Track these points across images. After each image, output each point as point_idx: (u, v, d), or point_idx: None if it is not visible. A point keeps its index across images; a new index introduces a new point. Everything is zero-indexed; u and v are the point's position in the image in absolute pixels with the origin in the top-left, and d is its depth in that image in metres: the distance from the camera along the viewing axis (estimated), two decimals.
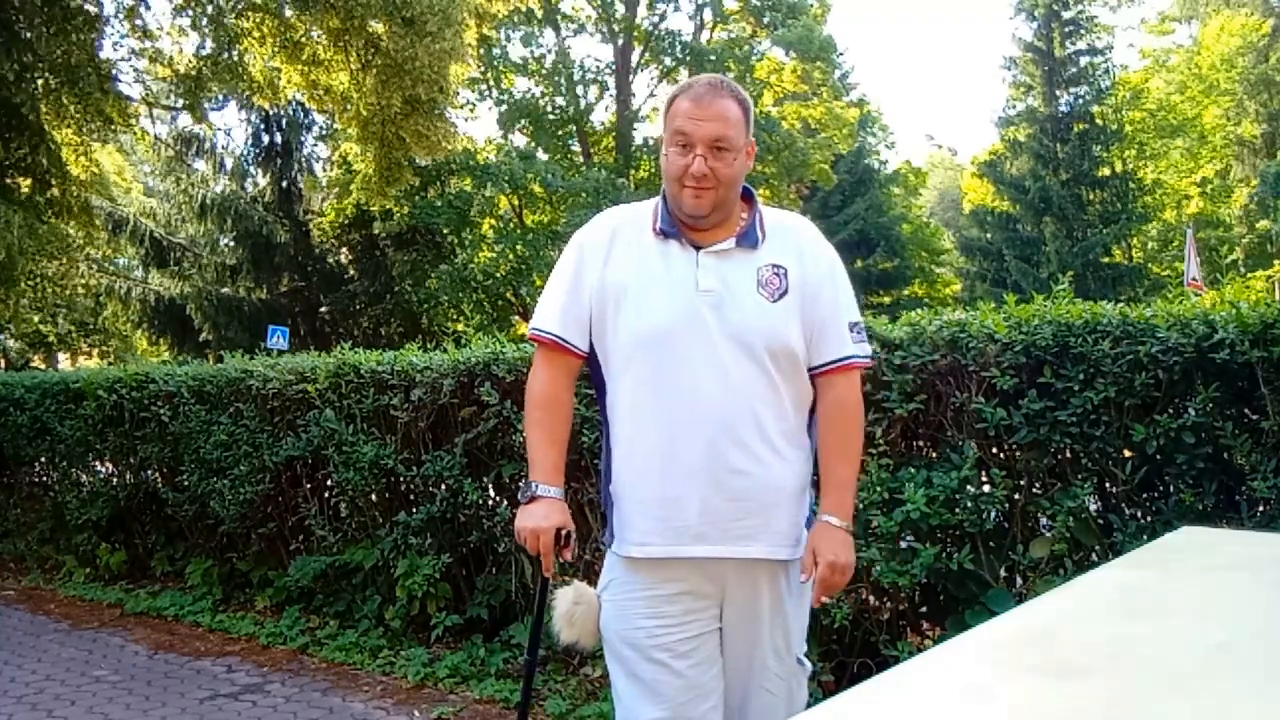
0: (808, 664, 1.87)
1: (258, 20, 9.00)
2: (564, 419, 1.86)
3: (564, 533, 1.76)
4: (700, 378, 1.69)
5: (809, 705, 1.78)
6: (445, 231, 16.94)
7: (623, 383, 1.76)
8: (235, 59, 8.99)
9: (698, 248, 1.76)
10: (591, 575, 1.91)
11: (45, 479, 6.40)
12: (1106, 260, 22.35)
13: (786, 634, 1.80)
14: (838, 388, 1.80)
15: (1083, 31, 23.88)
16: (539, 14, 19.56)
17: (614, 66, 20.66)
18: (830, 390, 1.80)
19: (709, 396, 1.69)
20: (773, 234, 1.80)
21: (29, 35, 8.51)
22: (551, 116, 20.07)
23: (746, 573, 1.74)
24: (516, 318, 18.12)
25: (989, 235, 24.23)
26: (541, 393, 1.84)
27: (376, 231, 16.44)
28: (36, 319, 18.26)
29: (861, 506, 2.92)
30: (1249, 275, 20.01)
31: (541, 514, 1.75)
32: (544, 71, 20.00)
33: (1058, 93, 23.52)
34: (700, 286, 1.72)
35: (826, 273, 1.81)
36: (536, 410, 1.84)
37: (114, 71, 9.55)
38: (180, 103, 9.68)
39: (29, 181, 8.82)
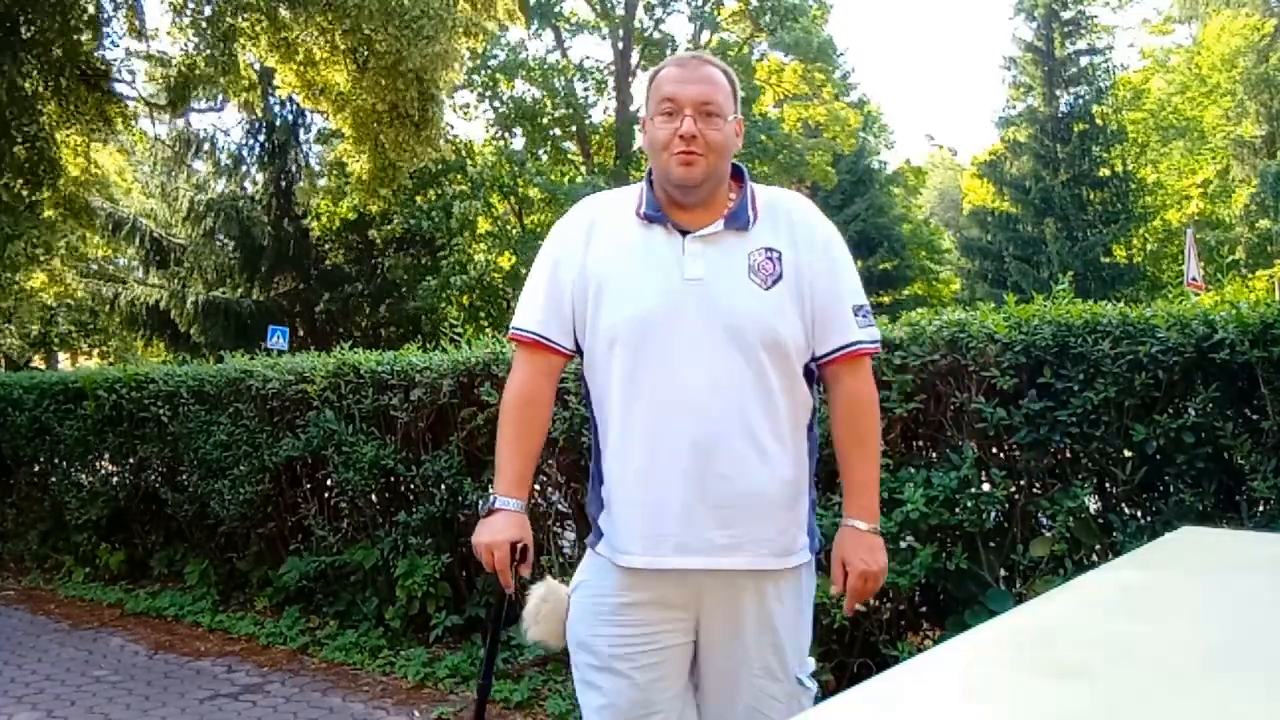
0: (812, 685, 1.70)
1: (254, 20, 9.01)
2: (537, 423, 1.74)
3: (519, 547, 1.66)
4: (685, 374, 1.58)
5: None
6: (436, 237, 16.97)
7: (604, 379, 1.66)
8: (228, 56, 8.99)
9: (684, 233, 1.63)
10: (565, 574, 1.86)
11: (45, 479, 6.40)
12: (1107, 260, 22.36)
13: (778, 651, 1.65)
14: (846, 380, 1.68)
15: (1083, 31, 23.90)
16: (536, 22, 19.59)
17: (613, 68, 20.68)
18: (839, 383, 1.68)
19: (694, 394, 1.58)
20: (765, 214, 1.67)
21: (29, 35, 8.51)
22: (549, 118, 20.07)
23: (728, 585, 1.62)
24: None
25: (989, 235, 24.24)
26: (517, 395, 1.72)
27: (372, 237, 16.46)
28: (32, 321, 18.27)
29: None
30: (1250, 275, 20.00)
31: (498, 527, 1.65)
32: (541, 72, 19.99)
33: (1058, 93, 23.53)
34: (687, 274, 1.60)
35: (823, 254, 1.67)
36: (509, 412, 1.72)
37: (114, 71, 9.56)
38: (182, 104, 9.69)
39: (20, 182, 8.81)
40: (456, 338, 4.32)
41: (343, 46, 8.89)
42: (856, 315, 1.68)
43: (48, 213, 9.29)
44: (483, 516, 1.69)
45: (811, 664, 1.73)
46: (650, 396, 1.60)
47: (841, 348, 1.66)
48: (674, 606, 1.65)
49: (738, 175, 1.72)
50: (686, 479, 1.58)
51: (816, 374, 1.73)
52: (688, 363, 1.59)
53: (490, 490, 1.73)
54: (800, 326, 1.64)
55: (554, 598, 1.76)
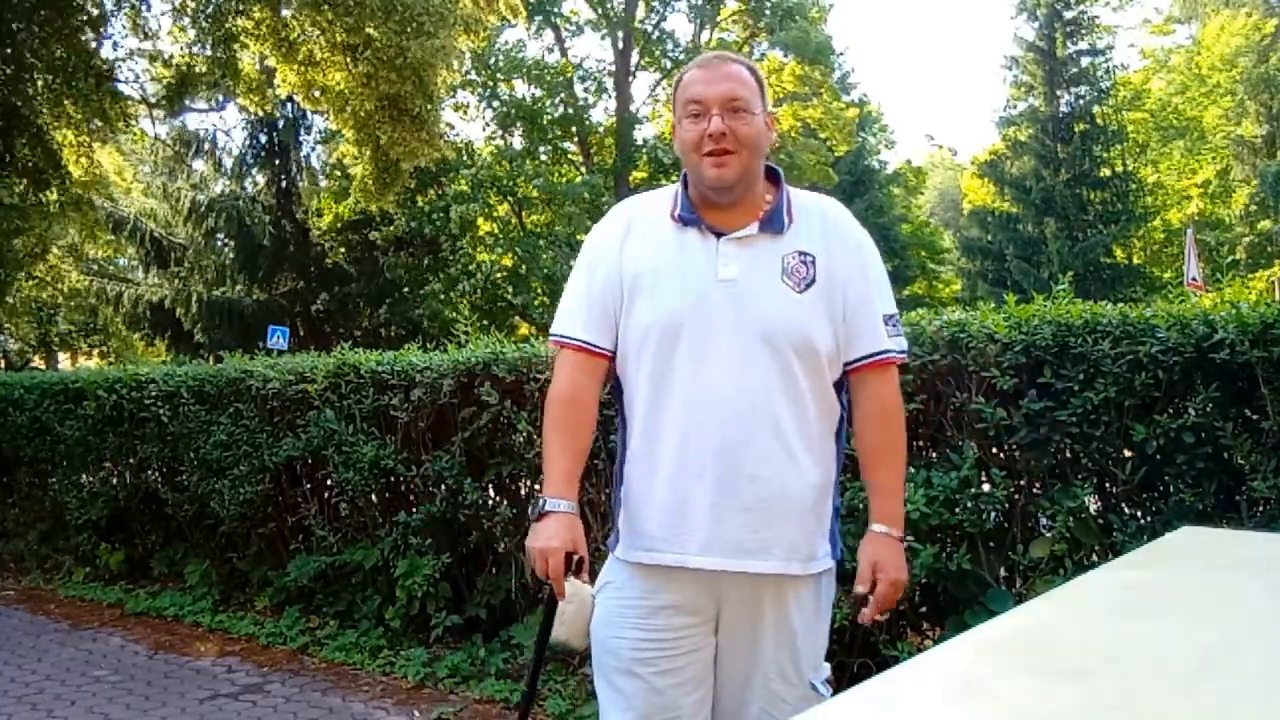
0: (826, 691, 1.68)
1: (256, 20, 9.01)
2: (584, 423, 1.70)
3: (575, 557, 1.59)
4: (715, 374, 1.58)
5: None
6: (439, 239, 16.97)
7: (635, 378, 1.66)
8: (230, 57, 9.00)
9: (718, 235, 1.63)
10: (592, 575, 1.85)
11: (45, 479, 6.40)
12: (1107, 260, 22.37)
13: (794, 655, 1.65)
14: (873, 385, 1.67)
15: (1084, 31, 23.90)
16: (536, 22, 19.59)
17: (613, 68, 20.68)
18: (865, 388, 1.67)
19: (724, 395, 1.58)
20: (800, 217, 1.67)
21: (27, 36, 8.51)
22: (548, 118, 20.05)
23: (750, 587, 1.62)
24: (517, 318, 18.13)
25: (990, 235, 24.25)
26: (560, 394, 1.69)
27: (372, 237, 16.47)
28: (27, 321, 18.27)
29: (862, 507, 2.92)
30: (1250, 275, 20.00)
31: (551, 533, 1.58)
32: (540, 71, 19.97)
33: (1059, 93, 23.55)
34: (720, 276, 1.61)
35: (856, 260, 1.67)
36: (552, 411, 1.68)
37: (114, 72, 9.57)
38: (179, 102, 9.70)
39: (25, 182, 8.83)
40: (464, 336, 4.32)
41: (343, 45, 8.89)
42: (886, 324, 1.67)
43: (53, 211, 9.30)
44: (533, 521, 1.63)
45: (826, 670, 1.72)
46: (680, 396, 1.61)
47: (870, 355, 1.66)
48: (697, 610, 1.65)
49: (773, 178, 1.72)
50: (714, 478, 1.58)
51: (844, 381, 1.71)
52: (718, 363, 1.59)
53: (538, 493, 1.70)
54: (832, 331, 1.64)
55: (578, 598, 1.74)
